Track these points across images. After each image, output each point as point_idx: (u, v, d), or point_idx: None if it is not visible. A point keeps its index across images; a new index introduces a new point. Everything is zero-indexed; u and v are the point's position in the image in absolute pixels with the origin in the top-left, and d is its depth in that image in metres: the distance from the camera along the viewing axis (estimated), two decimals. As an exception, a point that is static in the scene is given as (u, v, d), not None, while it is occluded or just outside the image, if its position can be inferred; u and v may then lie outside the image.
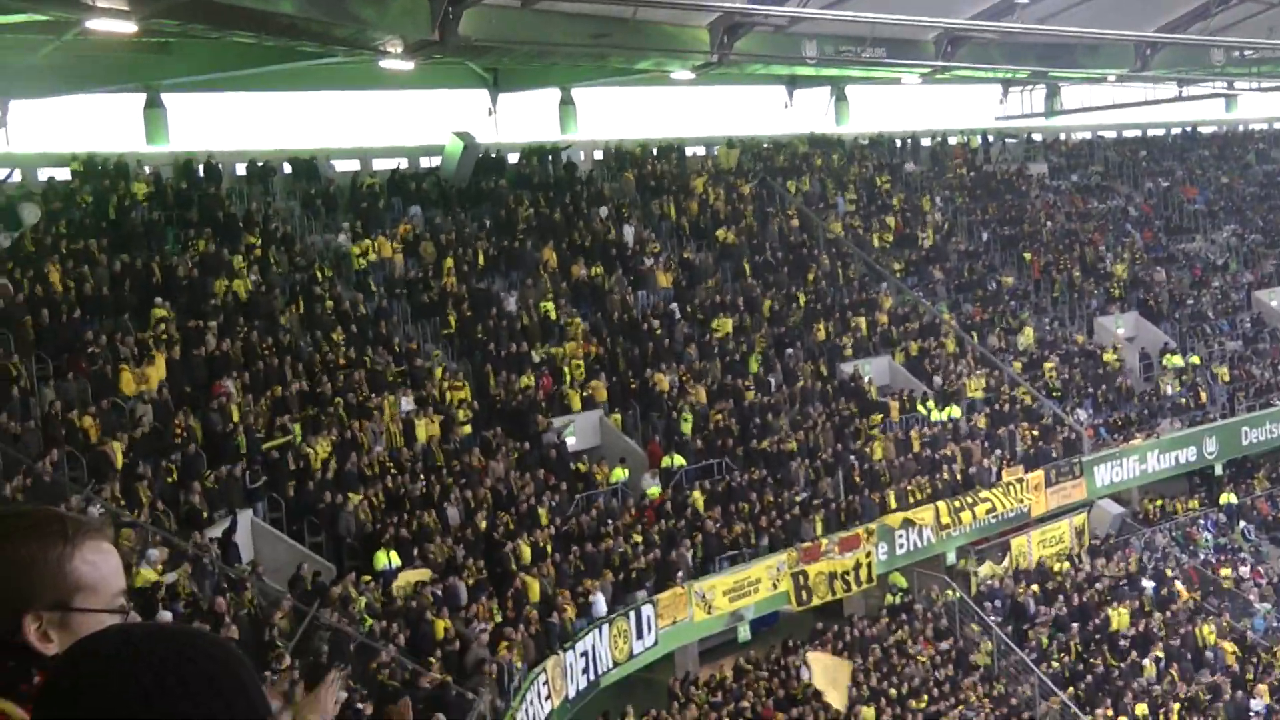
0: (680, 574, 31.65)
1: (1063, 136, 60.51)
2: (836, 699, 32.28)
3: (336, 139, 40.95)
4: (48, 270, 29.64)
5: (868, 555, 35.80)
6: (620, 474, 33.91)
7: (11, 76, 34.41)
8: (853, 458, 37.79)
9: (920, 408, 41.22)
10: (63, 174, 33.99)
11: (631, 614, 30.11)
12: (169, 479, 25.92)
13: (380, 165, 40.91)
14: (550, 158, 43.95)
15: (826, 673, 32.90)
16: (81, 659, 1.98)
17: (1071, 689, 35.48)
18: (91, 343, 28.16)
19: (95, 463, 25.00)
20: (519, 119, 44.38)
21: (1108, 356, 47.17)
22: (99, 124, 37.97)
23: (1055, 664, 36.21)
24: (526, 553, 29.29)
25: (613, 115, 47.47)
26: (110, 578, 2.61)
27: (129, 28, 27.75)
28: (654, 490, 34.06)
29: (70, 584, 2.54)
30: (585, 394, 35.76)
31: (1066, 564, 40.36)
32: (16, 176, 33.28)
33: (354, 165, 40.46)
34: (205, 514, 25.53)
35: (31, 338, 27.51)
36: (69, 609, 2.54)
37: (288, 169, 38.67)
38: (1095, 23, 39.95)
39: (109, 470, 24.76)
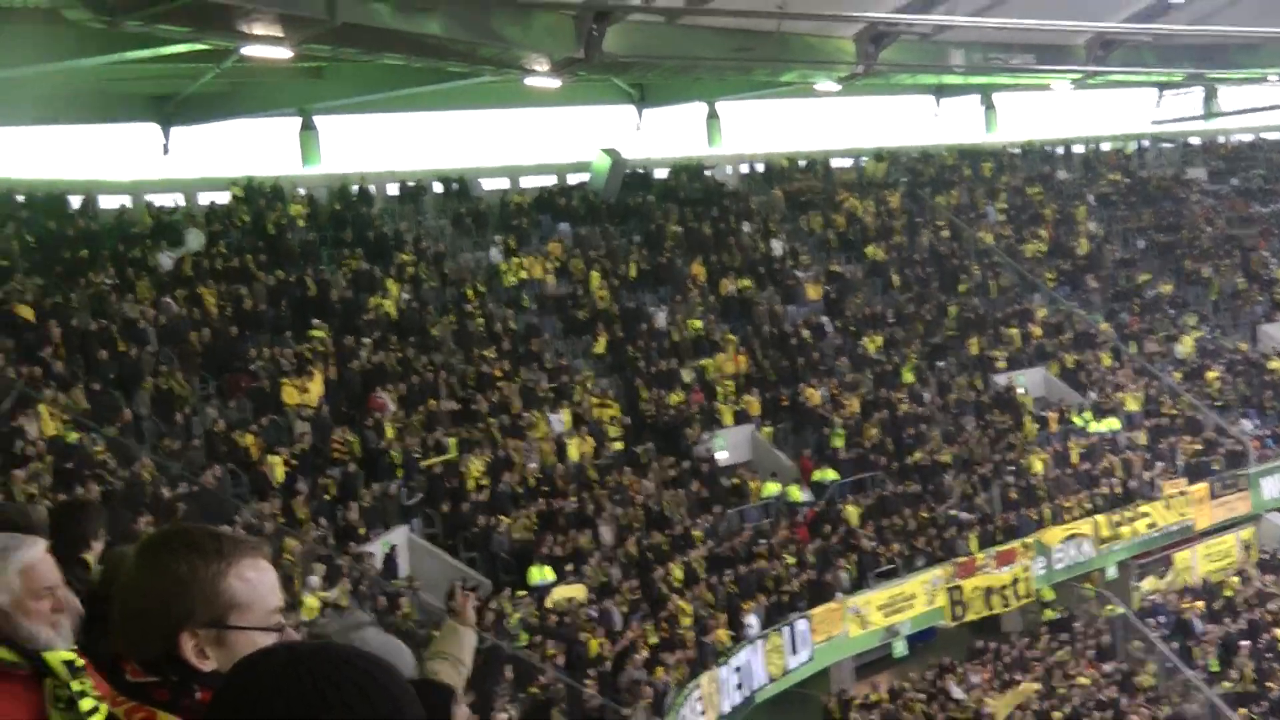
0: (836, 593, 31.34)
1: (1222, 139, 58.89)
2: (1001, 711, 31.53)
3: (485, 158, 41.35)
4: (207, 291, 30.30)
5: (1025, 570, 35.11)
6: (772, 488, 33.72)
7: (175, 104, 35.38)
8: (1009, 472, 37.11)
9: (1077, 419, 40.36)
10: (222, 197, 34.76)
11: (785, 629, 29.88)
12: (327, 495, 26.31)
13: (529, 183, 41.22)
14: (697, 173, 43.92)
15: (1008, 705, 31.96)
16: (247, 676, 1.98)
17: (1245, 710, 34.33)
18: (251, 360, 28.74)
19: (256, 479, 25.47)
20: (665, 134, 44.43)
21: (1273, 365, 45.70)
22: (256, 148, 38.79)
23: (1228, 685, 35.09)
24: (679, 574, 29.19)
25: (759, 128, 47.33)
26: (266, 595, 2.62)
27: (284, 53, 28.36)
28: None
29: (225, 602, 2.57)
30: (736, 408, 35.66)
31: (1235, 579, 39.16)
32: (180, 201, 34.12)
33: (503, 183, 40.82)
34: (362, 530, 25.85)
35: (194, 357, 28.15)
36: (224, 626, 2.56)
37: (438, 188, 39.13)
38: (1252, 21, 38.85)
39: (269, 487, 25.20)
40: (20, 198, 30.65)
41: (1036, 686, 32.90)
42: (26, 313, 26.39)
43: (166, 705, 2.55)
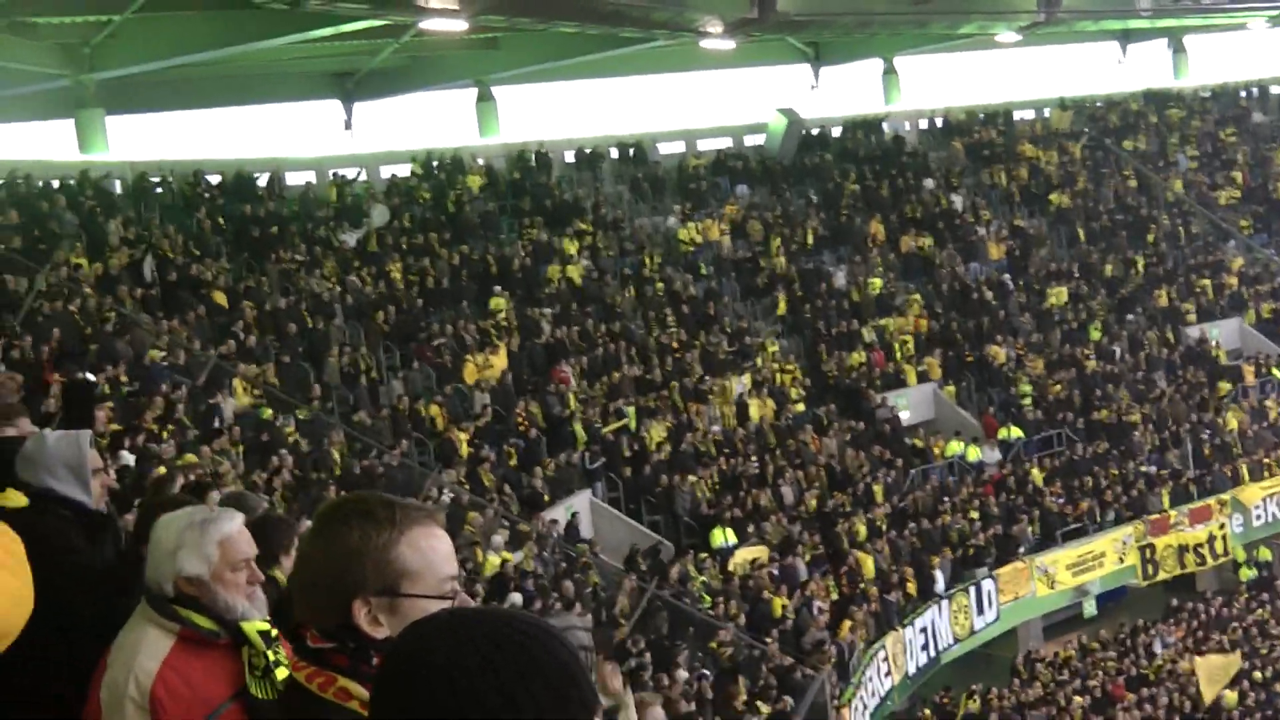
0: (1021, 549, 30.89)
1: None
2: (1208, 693, 30.70)
3: (661, 122, 41.36)
4: (391, 265, 30.89)
5: (1221, 528, 34.12)
6: (956, 447, 33.29)
7: (356, 80, 36.12)
8: (1205, 428, 36.07)
9: (1276, 372, 39.02)
10: (403, 170, 35.37)
11: (972, 589, 29.54)
12: (511, 464, 26.69)
13: (705, 146, 41.12)
14: (875, 129, 43.39)
15: (1211, 673, 31.18)
16: (412, 643, 2.01)
17: None
18: (435, 333, 29.24)
19: (442, 449, 25.96)
20: (842, 92, 43.97)
21: None
22: (435, 120, 39.38)
23: None
24: (862, 530, 29.05)
25: (937, 82, 46.55)
26: (437, 564, 2.64)
27: (460, 26, 28.75)
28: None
29: (397, 570, 2.59)
30: (919, 368, 35.27)
31: None
32: (362, 175, 34.81)
33: (679, 147, 40.79)
34: (546, 497, 26.19)
35: (380, 331, 28.76)
36: (397, 594, 2.59)
37: (615, 154, 39.28)
38: None
39: (455, 456, 25.66)
40: (212, 179, 31.53)
41: (1240, 663, 31.90)
42: (220, 294, 27.18)
43: (345, 671, 2.60)
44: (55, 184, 28.82)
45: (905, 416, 34.04)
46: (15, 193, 27.57)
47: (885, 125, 43.74)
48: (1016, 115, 46.72)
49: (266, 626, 4.07)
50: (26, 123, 34.83)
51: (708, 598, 25.24)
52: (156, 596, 4.16)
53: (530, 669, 1.93)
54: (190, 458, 16.99)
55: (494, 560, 22.06)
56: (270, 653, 4.01)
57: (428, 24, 28.82)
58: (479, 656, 1.93)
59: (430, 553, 2.63)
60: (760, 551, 27.24)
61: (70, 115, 32.41)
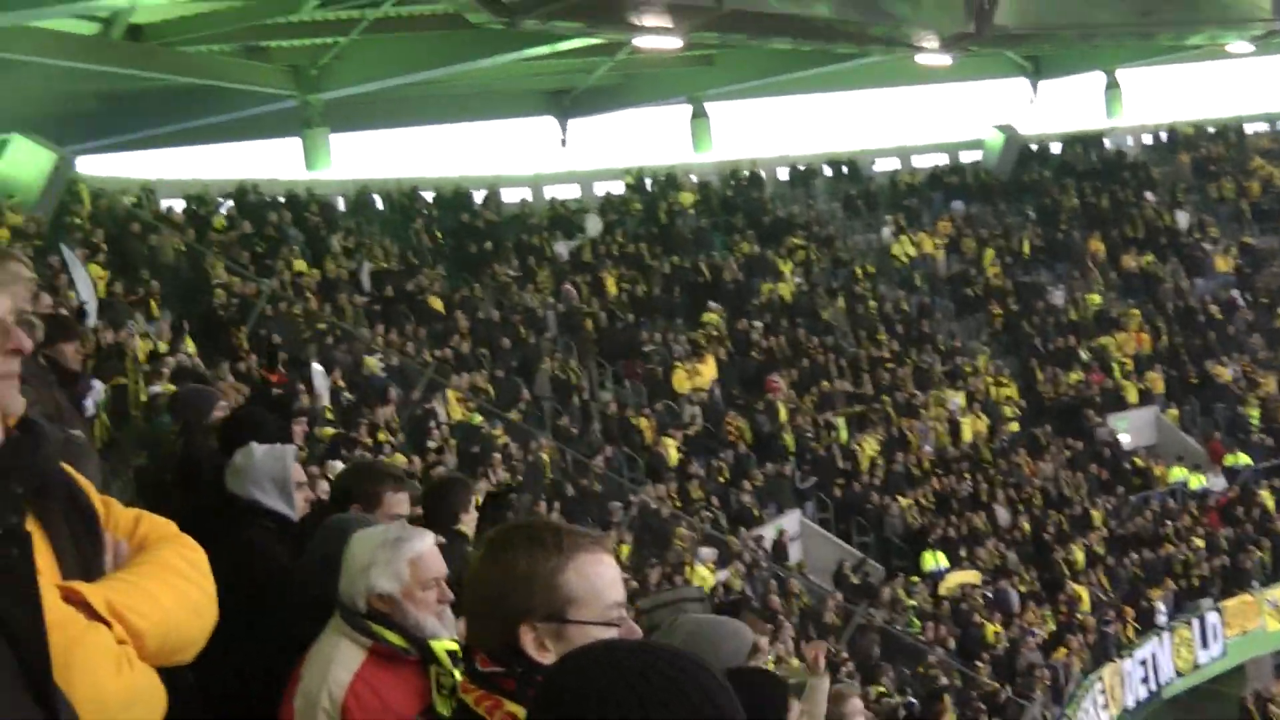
0: (1251, 581, 29.71)
1: None
2: None
3: (876, 138, 41.00)
4: (605, 277, 31.20)
5: None
6: (1179, 474, 32.21)
7: (571, 97, 36.61)
8: None
9: None
10: (617, 187, 35.66)
11: (1195, 622, 28.50)
12: (720, 477, 26.68)
13: (920, 162, 40.61)
14: (1096, 144, 42.30)
15: None
16: (564, 672, 2.03)
17: None
18: (646, 345, 29.42)
19: (651, 462, 26.07)
20: (1062, 105, 43.01)
21: None
22: (649, 137, 39.69)
23: None
24: (1079, 556, 28.27)
25: (1162, 95, 45.18)
26: (604, 591, 2.63)
27: (674, 43, 28.93)
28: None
29: (563, 596, 2.59)
30: (1140, 388, 34.24)
31: None
32: (576, 191, 35.25)
33: (894, 163, 40.36)
34: (755, 512, 26.10)
35: (591, 342, 29.05)
36: (563, 620, 2.59)
37: (828, 170, 39.03)
38: None
39: (664, 469, 25.74)
40: (429, 195, 32.25)
41: None
42: (436, 303, 27.78)
43: (512, 695, 2.61)
44: (282, 199, 29.78)
45: (1126, 440, 33.05)
46: (246, 208, 28.56)
47: (1107, 140, 42.61)
48: (1248, 128, 45.06)
49: (455, 646, 4.10)
50: (257, 141, 36.17)
51: (917, 621, 24.85)
52: (350, 611, 4.23)
53: (677, 701, 1.93)
54: (399, 457, 17.34)
55: (702, 572, 22.02)
56: (457, 672, 4.03)
57: (642, 41, 29.07)
58: (627, 688, 1.93)
59: (596, 579, 2.63)
60: (972, 576, 26.73)
61: (297, 134, 33.49)
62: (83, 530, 2.51)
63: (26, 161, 22.96)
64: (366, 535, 4.33)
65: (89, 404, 9.39)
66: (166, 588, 2.52)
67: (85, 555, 2.48)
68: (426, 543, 4.28)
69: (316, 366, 20.23)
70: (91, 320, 11.39)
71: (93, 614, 2.33)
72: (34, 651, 1.91)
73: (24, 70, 29.45)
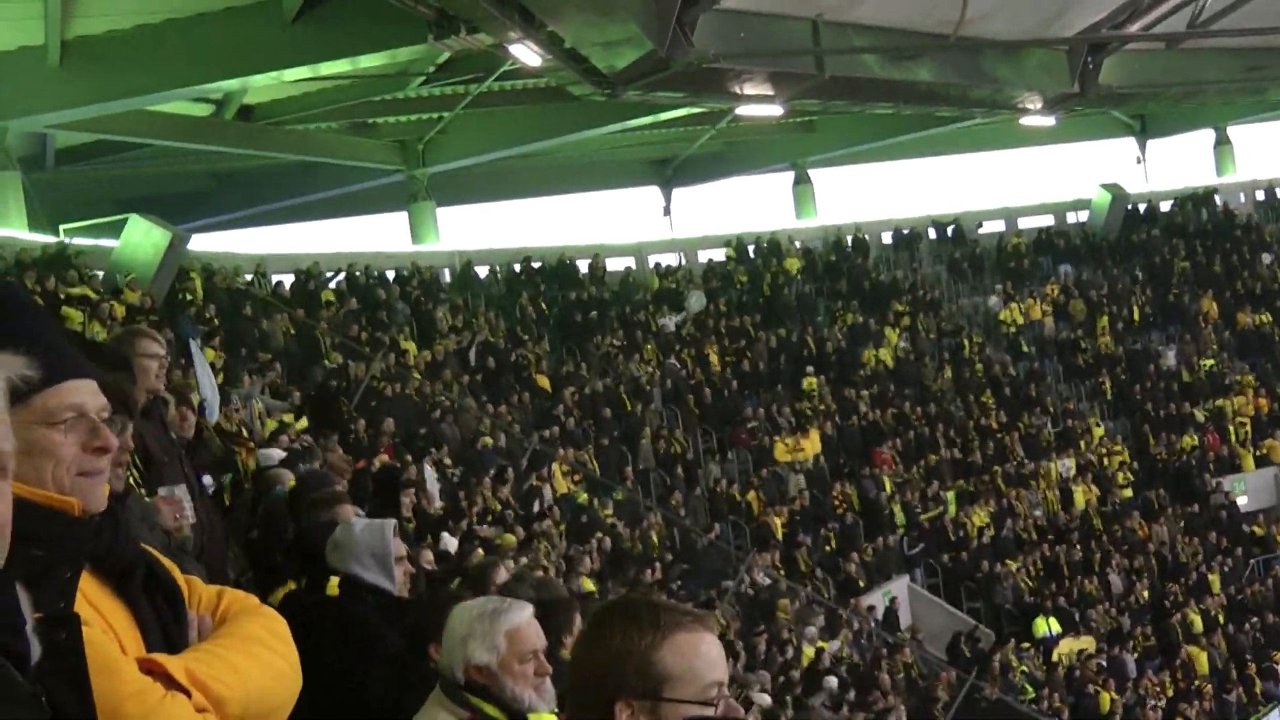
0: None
1: None
2: None
3: (980, 200, 40.72)
4: (708, 349, 31.20)
5: None
6: (1300, 536, 31.43)
7: (674, 166, 36.90)
8: None
9: None
10: (720, 254, 35.74)
11: (1320, 690, 27.70)
12: (827, 548, 26.47)
13: (1026, 224, 40.25)
14: (1206, 203, 41.64)
15: None
16: None
17: None
18: (750, 417, 29.35)
19: (758, 533, 25.94)
20: (1170, 164, 42.45)
21: None
22: (752, 204, 39.77)
23: None
24: (1197, 623, 27.62)
25: (1274, 151, 44.39)
26: (702, 669, 2.59)
27: (775, 110, 29.07)
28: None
29: (658, 674, 2.56)
30: (1258, 452, 33.48)
31: None
32: (680, 260, 35.37)
33: (1000, 226, 40.04)
34: (862, 583, 25.84)
35: (696, 414, 29.03)
36: (658, 698, 2.55)
37: (933, 234, 38.84)
38: None
39: (770, 540, 25.60)
40: (534, 265, 32.55)
41: None
42: (543, 380, 27.92)
43: None
44: (390, 274, 30.20)
45: (1243, 502, 32.32)
46: (354, 283, 29.01)
47: (1217, 197, 41.95)
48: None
49: (553, 718, 4.10)
50: (365, 216, 36.84)
51: (1030, 689, 24.39)
52: (449, 682, 4.25)
53: None
54: (509, 538, 17.37)
55: (809, 650, 21.82)
56: (554, 745, 4.04)
57: (744, 110, 29.22)
58: None
59: (694, 658, 2.60)
60: (1086, 642, 26.22)
61: (404, 208, 34.08)
62: (167, 608, 2.59)
63: (142, 240, 23.50)
64: (466, 607, 4.37)
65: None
66: (247, 656, 2.58)
67: (170, 632, 2.56)
68: (525, 615, 4.30)
69: (429, 470, 20.22)
70: (213, 417, 11.58)
71: (173, 683, 2.40)
72: None
73: (140, 152, 30.32)
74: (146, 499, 5.88)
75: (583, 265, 33.32)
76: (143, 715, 2.31)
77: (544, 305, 31.42)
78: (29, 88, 23.75)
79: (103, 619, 2.41)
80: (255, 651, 2.61)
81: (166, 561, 2.71)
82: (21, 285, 18.88)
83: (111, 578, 2.49)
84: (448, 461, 21.61)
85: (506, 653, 4.19)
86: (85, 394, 2.55)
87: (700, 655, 2.62)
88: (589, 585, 17.92)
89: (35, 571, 1.93)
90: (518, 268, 32.38)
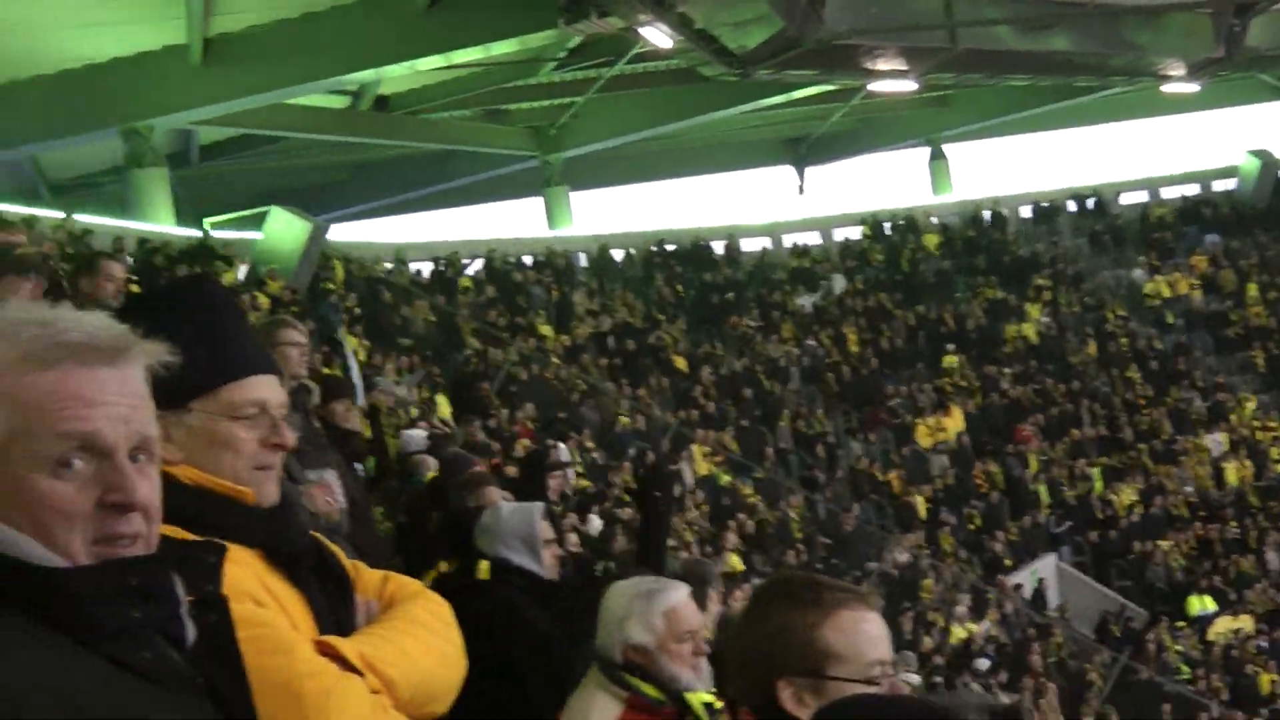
0: None
1: None
2: None
3: (1121, 171, 39.85)
4: (848, 329, 30.98)
5: None
6: None
7: (807, 145, 36.68)
8: None
9: None
10: (856, 233, 35.43)
11: None
12: (971, 527, 26.16)
13: (1169, 194, 39.32)
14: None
15: None
16: None
17: None
18: (890, 396, 29.10)
19: (900, 513, 25.72)
20: (1322, 128, 41.23)
21: None
22: (887, 180, 39.40)
23: None
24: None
25: None
26: (864, 647, 2.59)
27: (909, 86, 28.74)
28: None
29: (820, 651, 2.56)
30: None
31: None
32: (816, 239, 35.15)
33: (1142, 196, 39.17)
34: (1008, 562, 25.49)
35: (835, 394, 28.85)
36: (820, 676, 2.55)
37: (1073, 207, 38.12)
38: None
39: (913, 521, 25.37)
40: (669, 248, 32.56)
41: None
42: (680, 362, 27.95)
43: None
44: (527, 260, 30.43)
45: None
46: (491, 269, 29.27)
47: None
48: None
49: (710, 698, 4.08)
50: (500, 202, 37.17)
51: (1186, 669, 23.88)
52: (606, 662, 4.24)
53: None
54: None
55: (958, 630, 21.58)
56: (712, 724, 4.01)
57: (877, 86, 28.94)
58: None
59: (856, 636, 2.58)
60: (1244, 622, 25.57)
61: (539, 194, 34.35)
62: (336, 593, 2.64)
63: (284, 232, 23.93)
64: (622, 587, 4.37)
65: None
66: (415, 640, 2.61)
67: (340, 616, 2.60)
68: (681, 595, 4.28)
69: (561, 446, 20.41)
70: (360, 400, 11.79)
71: (346, 665, 2.44)
72: (241, 712, 1.97)
73: (280, 145, 30.90)
74: (295, 483, 5.95)
75: (718, 247, 33.26)
76: (321, 694, 2.34)
77: (679, 287, 31.42)
78: (173, 86, 24.32)
79: (278, 603, 2.46)
80: (422, 636, 2.64)
81: (333, 547, 2.74)
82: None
83: (284, 564, 2.54)
84: (589, 444, 21.71)
85: (664, 632, 4.18)
86: (267, 389, 2.61)
87: (863, 633, 2.61)
88: (736, 564, 17.93)
89: (184, 556, 1.95)
90: (653, 250, 32.42)
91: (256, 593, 2.40)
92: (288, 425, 2.66)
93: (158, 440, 1.86)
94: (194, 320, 2.53)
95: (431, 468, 10.31)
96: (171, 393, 2.04)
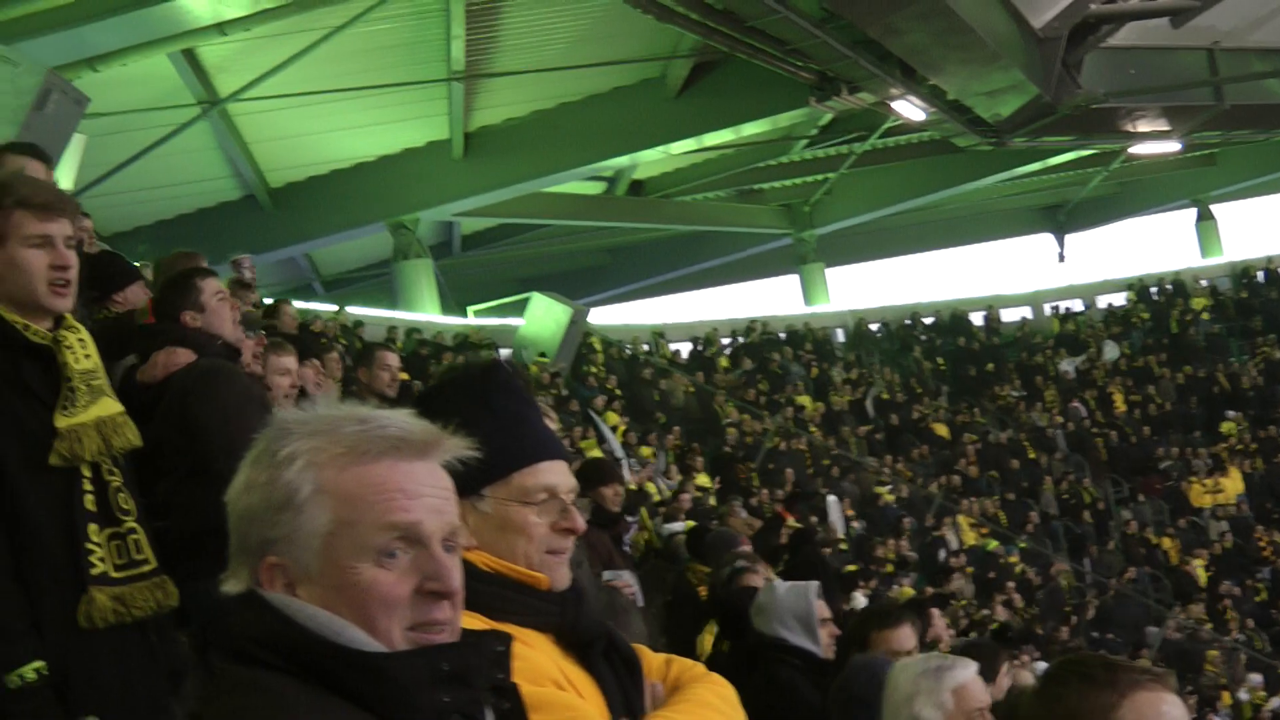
0: None
1: None
2: None
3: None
4: (1113, 392, 30.09)
5: None
6: None
7: (1066, 211, 35.94)
8: None
9: None
10: (1119, 298, 34.45)
11: None
12: (1257, 597, 24.96)
13: None
14: None
15: None
16: None
17: None
18: (1161, 459, 28.11)
19: (1177, 582, 24.72)
20: None
21: None
22: (1151, 244, 38.30)
23: None
24: None
25: None
26: None
27: (1172, 147, 27.98)
28: None
29: None
30: None
31: None
32: (1078, 306, 34.32)
33: None
34: (1298, 634, 24.24)
35: (1104, 460, 28.00)
36: None
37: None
38: None
39: (1192, 589, 24.35)
40: (927, 320, 32.20)
41: None
42: (941, 429, 27.55)
43: None
44: (783, 336, 30.45)
45: None
46: (749, 346, 29.37)
47: None
48: None
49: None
50: (755, 281, 37.37)
51: None
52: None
53: None
54: (908, 591, 17.14)
55: (1248, 706, 20.57)
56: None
57: (1138, 148, 28.22)
58: None
59: (1156, 719, 2.48)
60: None
61: (794, 271, 34.40)
62: (626, 676, 2.67)
63: (545, 317, 24.46)
64: (909, 665, 4.33)
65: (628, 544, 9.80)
66: None
67: (630, 699, 2.64)
68: (969, 672, 4.22)
69: (831, 498, 20.39)
70: (623, 472, 11.96)
71: None
72: None
73: (538, 232, 31.70)
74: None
75: (976, 318, 32.74)
76: None
77: (939, 359, 31.03)
78: (437, 180, 25.20)
79: (573, 687, 2.50)
80: (710, 717, 2.65)
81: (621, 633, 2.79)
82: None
83: (576, 648, 2.59)
84: (850, 512, 21.54)
85: (953, 710, 4.11)
86: (558, 475, 2.66)
87: (1162, 716, 2.52)
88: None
89: (450, 648, 2.01)
90: (910, 323, 32.11)
91: (556, 677, 2.46)
92: (578, 510, 2.71)
93: (463, 530, 1.94)
94: (488, 407, 2.61)
95: (693, 546, 10.38)
96: (466, 480, 2.11)
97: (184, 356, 4.67)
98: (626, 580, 6.69)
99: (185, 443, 4.36)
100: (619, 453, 16.53)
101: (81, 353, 3.56)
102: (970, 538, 23.36)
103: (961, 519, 23.66)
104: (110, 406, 3.55)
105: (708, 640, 7.93)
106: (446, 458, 1.96)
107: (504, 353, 23.54)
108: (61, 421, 3.44)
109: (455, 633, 1.91)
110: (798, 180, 31.64)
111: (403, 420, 1.93)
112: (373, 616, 1.84)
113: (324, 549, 1.85)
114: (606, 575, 6.62)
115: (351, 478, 1.86)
